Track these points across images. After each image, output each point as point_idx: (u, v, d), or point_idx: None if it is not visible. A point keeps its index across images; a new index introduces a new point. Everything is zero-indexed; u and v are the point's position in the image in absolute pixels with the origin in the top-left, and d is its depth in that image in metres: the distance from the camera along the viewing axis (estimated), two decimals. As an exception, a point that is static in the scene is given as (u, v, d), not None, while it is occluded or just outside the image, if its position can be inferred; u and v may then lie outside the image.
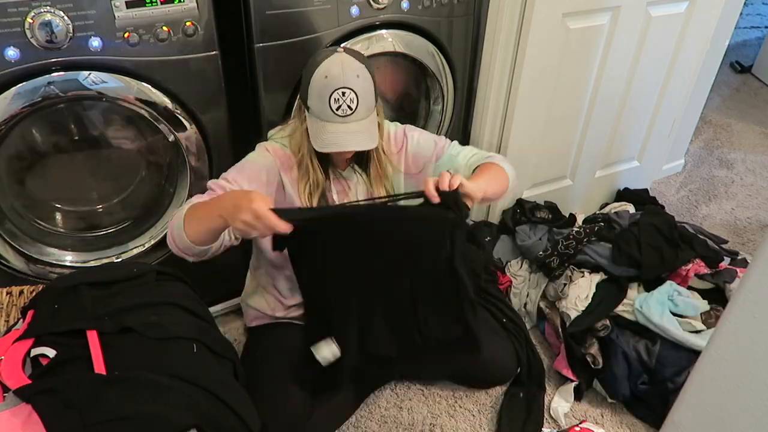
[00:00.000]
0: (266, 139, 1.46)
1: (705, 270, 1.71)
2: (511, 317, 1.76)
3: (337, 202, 1.45)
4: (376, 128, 1.35)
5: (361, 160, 1.47)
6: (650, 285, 1.76)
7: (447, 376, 1.73)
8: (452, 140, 1.54)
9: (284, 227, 1.12)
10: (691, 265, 1.73)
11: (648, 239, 1.77)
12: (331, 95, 1.26)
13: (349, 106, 1.27)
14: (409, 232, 1.30)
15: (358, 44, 1.62)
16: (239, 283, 1.69)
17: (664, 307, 1.66)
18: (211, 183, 1.34)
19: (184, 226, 1.22)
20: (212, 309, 1.74)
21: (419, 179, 1.46)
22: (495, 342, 1.67)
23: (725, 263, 1.82)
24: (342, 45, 1.41)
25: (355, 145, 1.32)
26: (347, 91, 1.27)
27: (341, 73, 1.26)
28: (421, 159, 1.50)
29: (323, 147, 1.31)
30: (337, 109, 1.27)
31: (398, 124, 1.54)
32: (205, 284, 1.42)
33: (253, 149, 1.44)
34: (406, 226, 1.30)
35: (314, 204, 1.41)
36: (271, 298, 1.57)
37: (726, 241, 1.96)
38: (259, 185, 1.36)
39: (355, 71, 1.28)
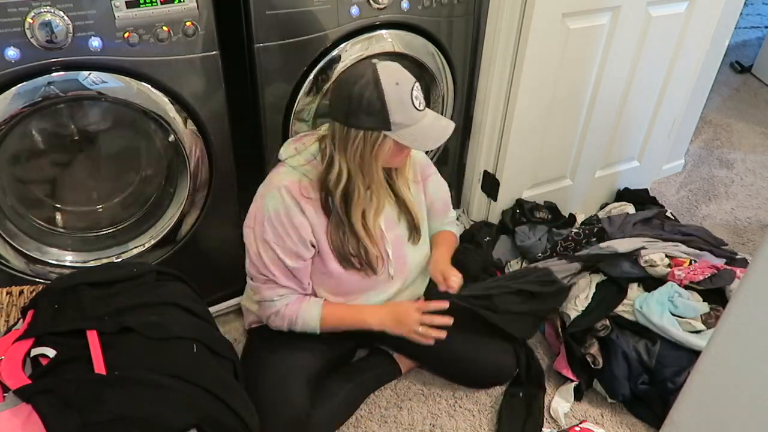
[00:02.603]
0: (270, 148, 1.45)
1: (700, 277, 1.71)
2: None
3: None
4: None
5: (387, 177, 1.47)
6: (650, 285, 1.76)
7: (447, 376, 1.73)
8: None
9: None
10: (684, 273, 1.73)
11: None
12: (411, 95, 1.25)
13: (423, 98, 1.30)
14: None
15: (358, 44, 1.62)
16: (239, 283, 1.69)
17: (664, 307, 1.66)
18: (260, 249, 1.40)
19: (321, 326, 1.47)
20: (212, 309, 1.74)
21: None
22: (494, 342, 1.67)
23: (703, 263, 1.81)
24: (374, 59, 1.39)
25: (449, 126, 1.33)
26: (416, 85, 1.28)
27: (400, 72, 1.27)
28: (429, 205, 1.62)
29: (435, 141, 1.32)
30: (419, 105, 1.28)
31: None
32: (205, 284, 1.42)
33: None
34: None
35: (377, 224, 1.46)
36: None
37: (725, 243, 1.96)
38: (293, 232, 1.38)
39: (402, 67, 1.30)
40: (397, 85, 1.24)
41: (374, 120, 1.25)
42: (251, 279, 1.47)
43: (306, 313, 1.45)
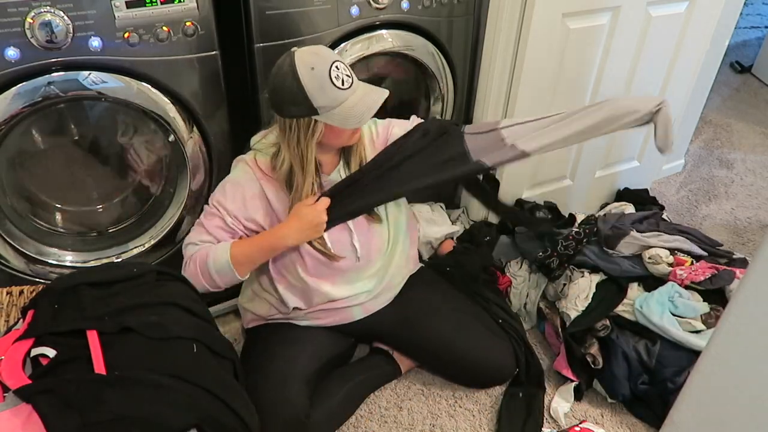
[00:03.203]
0: (249, 148, 1.45)
1: (701, 277, 1.71)
2: (506, 319, 1.76)
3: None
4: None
5: (347, 156, 1.47)
6: (651, 285, 1.76)
7: (447, 376, 1.73)
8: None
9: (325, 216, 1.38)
10: (686, 273, 1.73)
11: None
12: (329, 77, 1.25)
13: (347, 75, 1.29)
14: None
15: (358, 44, 1.62)
16: (239, 283, 1.69)
17: (664, 307, 1.66)
18: (206, 210, 1.42)
19: (234, 267, 1.36)
20: (212, 309, 1.74)
21: None
22: (493, 342, 1.67)
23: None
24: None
25: (378, 97, 1.31)
26: (336, 63, 1.27)
27: (316, 56, 1.27)
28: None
29: (360, 120, 1.30)
30: (342, 84, 1.27)
31: (377, 120, 1.53)
32: (205, 284, 1.42)
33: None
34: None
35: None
36: (272, 300, 1.57)
37: (721, 244, 1.96)
38: (239, 204, 1.40)
39: (317, 47, 1.30)
40: (313, 69, 1.24)
41: (300, 108, 1.28)
42: (191, 229, 1.46)
43: (218, 248, 1.38)
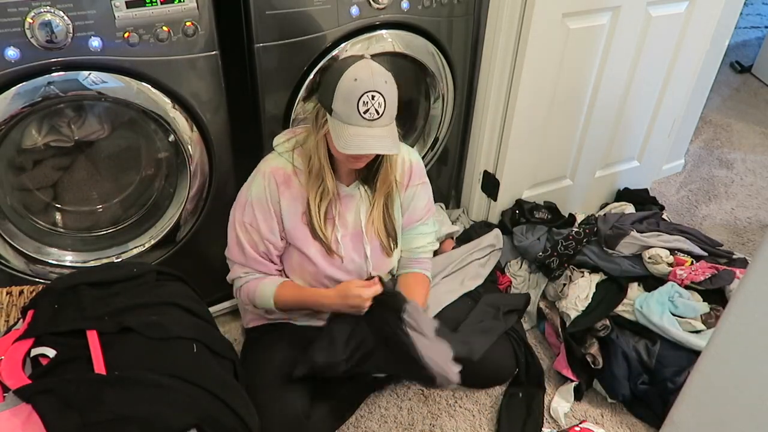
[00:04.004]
0: (271, 148, 1.46)
1: (701, 277, 1.71)
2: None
3: (340, 216, 1.48)
4: (397, 136, 1.35)
5: (368, 176, 1.48)
6: (651, 285, 1.76)
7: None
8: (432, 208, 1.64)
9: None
10: (686, 273, 1.73)
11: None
12: (360, 98, 1.25)
13: (376, 110, 1.27)
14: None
15: (358, 44, 1.62)
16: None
17: (664, 307, 1.66)
18: (237, 230, 1.46)
19: (276, 305, 1.47)
20: (212, 309, 1.74)
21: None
22: (493, 342, 1.67)
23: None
24: (368, 54, 1.39)
25: (381, 148, 1.31)
26: (376, 95, 1.26)
27: (371, 77, 1.26)
28: (409, 213, 1.58)
29: (346, 148, 1.29)
30: (364, 113, 1.27)
31: (411, 150, 1.57)
32: (205, 284, 1.42)
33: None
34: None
35: (322, 210, 1.44)
36: None
37: (721, 244, 1.96)
38: (270, 221, 1.44)
39: (384, 77, 1.28)
40: (355, 81, 1.26)
41: (324, 98, 1.31)
42: (228, 258, 1.52)
43: (263, 287, 1.48)
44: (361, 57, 1.30)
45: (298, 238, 1.46)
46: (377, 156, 1.42)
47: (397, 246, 1.57)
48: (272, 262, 1.50)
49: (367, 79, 1.26)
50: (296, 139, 1.44)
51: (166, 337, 1.12)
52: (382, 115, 1.28)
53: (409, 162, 1.54)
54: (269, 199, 1.42)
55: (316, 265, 1.48)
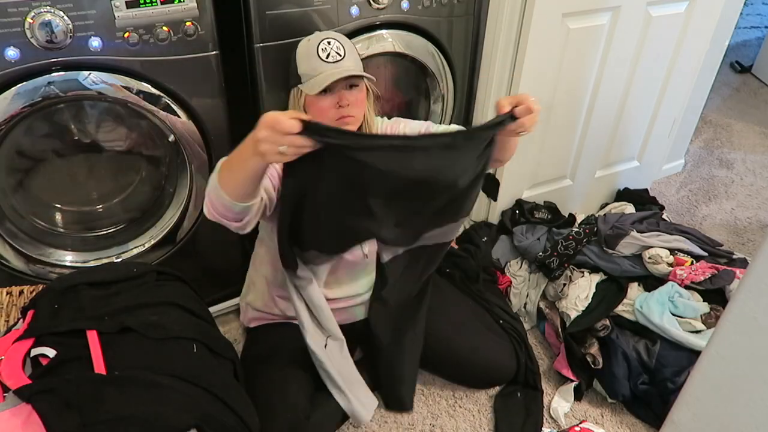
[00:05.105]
0: None
1: (701, 277, 1.71)
2: (507, 319, 1.76)
3: None
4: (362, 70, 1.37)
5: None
6: (651, 285, 1.76)
7: (447, 376, 1.73)
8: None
9: (303, 140, 1.01)
10: (686, 273, 1.73)
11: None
12: (318, 47, 1.31)
13: (337, 53, 1.32)
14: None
15: (358, 44, 1.62)
16: (239, 283, 1.69)
17: (664, 307, 1.66)
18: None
19: (219, 184, 1.14)
20: (212, 309, 1.74)
21: None
22: (493, 342, 1.67)
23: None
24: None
25: (343, 73, 1.30)
26: (332, 41, 1.32)
27: (322, 34, 1.35)
28: None
29: (314, 87, 1.30)
30: (327, 57, 1.31)
31: (386, 118, 1.53)
32: (205, 284, 1.42)
33: None
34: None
35: None
36: (271, 291, 1.57)
37: (721, 244, 1.96)
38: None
39: (335, 35, 1.35)
40: (309, 41, 1.33)
41: (293, 74, 1.35)
42: None
43: (210, 177, 1.18)
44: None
45: None
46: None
47: None
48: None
49: (319, 35, 1.34)
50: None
51: (166, 337, 1.12)
52: (344, 57, 1.32)
53: (377, 128, 1.47)
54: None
55: None
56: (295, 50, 1.37)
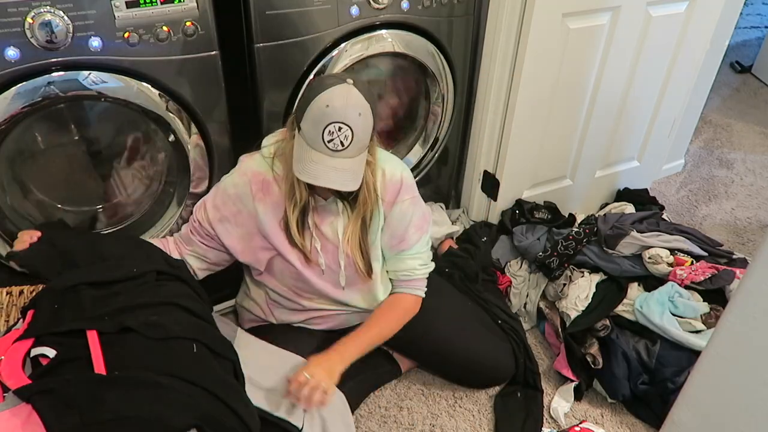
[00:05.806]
0: (260, 147, 1.43)
1: (701, 277, 1.71)
2: (506, 319, 1.76)
3: (316, 226, 1.42)
4: (362, 169, 1.29)
5: (346, 192, 1.39)
6: (651, 285, 1.76)
7: (447, 376, 1.73)
8: (425, 235, 1.51)
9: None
10: (686, 273, 1.73)
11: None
12: (326, 127, 1.20)
13: (341, 142, 1.22)
14: None
15: (358, 44, 1.62)
16: (238, 283, 1.69)
17: (664, 307, 1.66)
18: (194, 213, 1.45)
19: None
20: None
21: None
22: (493, 342, 1.67)
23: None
24: (350, 78, 1.28)
25: (334, 184, 1.25)
26: (344, 127, 1.21)
27: (344, 106, 1.20)
28: (393, 231, 1.47)
29: (300, 173, 1.25)
30: (328, 142, 1.21)
31: (403, 166, 1.46)
32: (204, 284, 1.42)
33: (250, 152, 1.43)
34: None
35: (296, 219, 1.38)
36: (265, 307, 1.58)
37: (721, 244, 1.96)
38: (226, 218, 1.42)
39: (359, 109, 1.22)
40: (327, 107, 1.20)
41: (299, 113, 1.26)
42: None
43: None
44: (344, 81, 1.24)
45: (278, 243, 1.42)
46: None
47: (372, 270, 1.48)
48: (204, 241, 1.46)
49: (339, 109, 1.20)
50: (280, 144, 1.38)
51: (166, 337, 1.12)
52: (346, 147, 1.22)
53: (399, 177, 1.43)
54: (241, 198, 1.39)
55: (296, 269, 1.45)
56: (313, 88, 1.25)
